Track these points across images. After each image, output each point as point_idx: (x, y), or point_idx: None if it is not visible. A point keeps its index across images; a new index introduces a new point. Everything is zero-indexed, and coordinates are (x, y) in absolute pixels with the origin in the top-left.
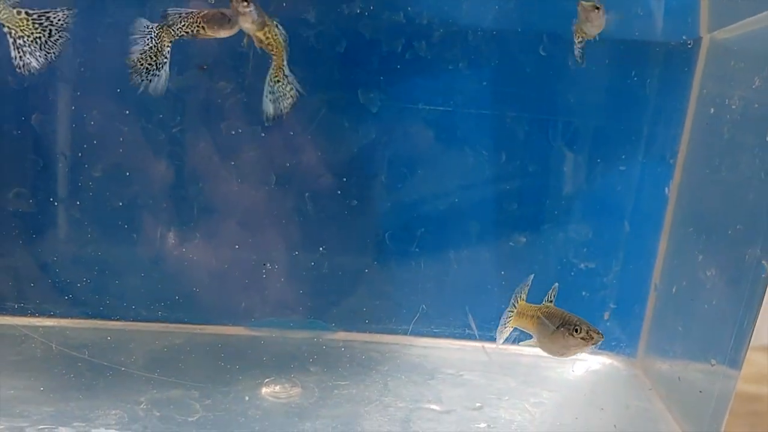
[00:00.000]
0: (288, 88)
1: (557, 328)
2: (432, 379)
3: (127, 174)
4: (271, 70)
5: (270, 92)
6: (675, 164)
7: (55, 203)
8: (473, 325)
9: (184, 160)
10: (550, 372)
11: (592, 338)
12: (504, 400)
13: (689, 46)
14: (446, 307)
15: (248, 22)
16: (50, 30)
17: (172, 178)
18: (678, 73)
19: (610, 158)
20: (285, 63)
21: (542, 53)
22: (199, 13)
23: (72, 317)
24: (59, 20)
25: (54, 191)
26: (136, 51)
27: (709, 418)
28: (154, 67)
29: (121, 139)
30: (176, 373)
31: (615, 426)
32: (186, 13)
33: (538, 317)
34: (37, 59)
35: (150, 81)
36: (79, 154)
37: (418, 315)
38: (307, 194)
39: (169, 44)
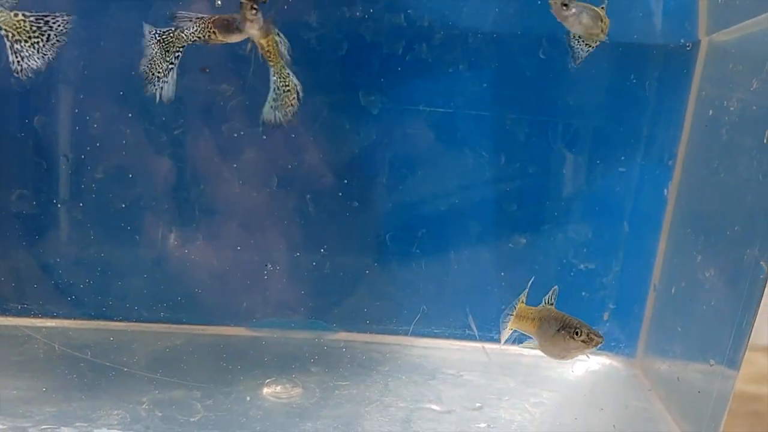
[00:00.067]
0: (291, 97)
1: (557, 330)
2: (432, 380)
3: (130, 176)
4: (273, 78)
5: (273, 99)
6: (674, 165)
7: (58, 205)
8: (473, 326)
9: (186, 161)
10: (549, 372)
11: (593, 341)
12: (504, 400)
13: (688, 49)
14: (446, 308)
15: (255, 28)
16: (48, 34)
17: (174, 180)
18: (677, 76)
19: (610, 160)
20: (289, 71)
21: (542, 56)
22: (210, 19)
23: (74, 318)
24: (58, 25)
25: (56, 193)
26: (147, 59)
27: (708, 418)
28: (163, 74)
29: (124, 141)
30: (178, 374)
31: (614, 426)
32: (197, 18)
33: (540, 320)
34: (35, 62)
35: (162, 87)
36: (82, 156)
37: (418, 316)
38: (308, 195)
39: (180, 49)
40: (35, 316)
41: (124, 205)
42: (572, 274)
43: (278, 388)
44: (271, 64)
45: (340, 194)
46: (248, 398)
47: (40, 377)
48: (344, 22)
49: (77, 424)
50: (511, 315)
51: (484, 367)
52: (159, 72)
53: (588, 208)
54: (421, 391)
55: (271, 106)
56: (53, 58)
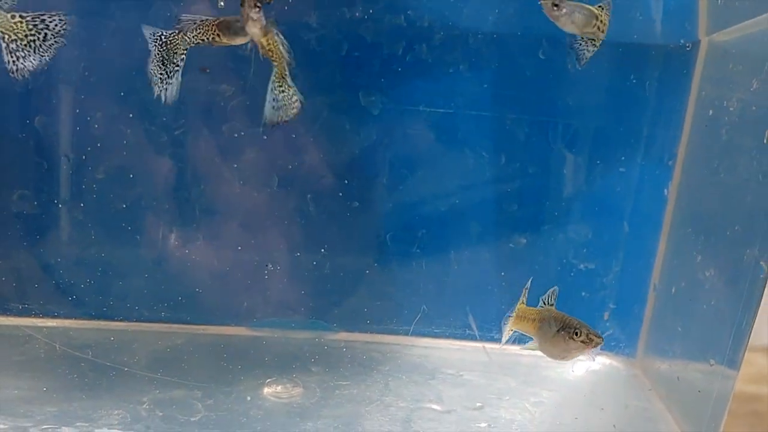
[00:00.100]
0: (293, 99)
1: (557, 331)
2: (433, 379)
3: (131, 176)
4: (273, 77)
5: (274, 99)
6: (674, 166)
7: (59, 205)
8: (473, 326)
9: (187, 162)
10: (550, 372)
11: (592, 341)
12: (504, 400)
13: (688, 49)
14: (447, 308)
15: (257, 27)
16: (45, 33)
17: (174, 180)
18: (677, 76)
19: (610, 160)
20: (287, 72)
21: (542, 56)
22: (214, 21)
23: (75, 318)
24: (55, 25)
25: (57, 193)
26: (152, 62)
27: (708, 418)
28: (167, 76)
29: (125, 141)
30: (179, 374)
31: (614, 426)
32: (201, 21)
33: (540, 320)
34: (31, 63)
35: (167, 89)
36: (83, 157)
37: (419, 316)
38: (308, 195)
39: (184, 51)
40: (36, 316)
41: (124, 205)
42: (572, 274)
43: (279, 388)
44: (275, 63)
45: (341, 194)
46: (249, 398)
47: (41, 377)
48: (344, 22)
49: (78, 423)
50: (511, 316)
51: (485, 366)
52: (164, 74)
53: (588, 208)
54: (421, 391)
55: (273, 106)
56: (51, 58)
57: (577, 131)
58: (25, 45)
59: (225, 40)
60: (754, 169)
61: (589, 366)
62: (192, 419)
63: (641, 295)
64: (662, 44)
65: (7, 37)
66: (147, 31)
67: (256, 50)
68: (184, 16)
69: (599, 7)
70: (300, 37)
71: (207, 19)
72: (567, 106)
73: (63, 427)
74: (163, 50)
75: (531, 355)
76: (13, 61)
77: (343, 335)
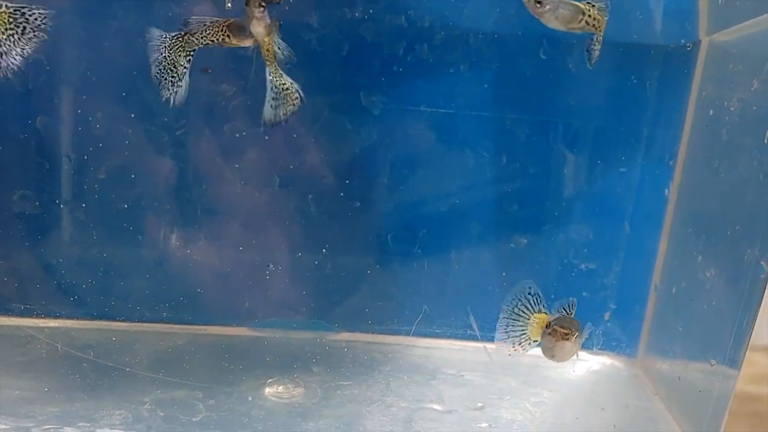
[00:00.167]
0: (293, 96)
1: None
2: (434, 380)
3: (132, 176)
4: (270, 77)
5: (273, 98)
6: (674, 166)
7: (60, 205)
8: (474, 326)
9: (188, 162)
10: (550, 372)
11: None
12: (505, 400)
13: (688, 49)
14: (448, 308)
15: (262, 26)
16: (24, 27)
17: (176, 180)
18: (677, 76)
19: (610, 160)
20: (281, 71)
21: (542, 56)
22: (225, 22)
23: (77, 318)
24: (35, 18)
25: (59, 193)
26: (158, 65)
27: (708, 418)
28: (178, 78)
29: (126, 141)
30: (180, 374)
31: (615, 426)
32: (210, 22)
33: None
34: (13, 58)
35: (176, 92)
36: (84, 157)
37: (420, 316)
38: (310, 196)
39: (192, 53)
40: (38, 316)
41: (126, 206)
42: (573, 274)
43: (280, 388)
44: (268, 63)
45: (342, 194)
46: (250, 398)
47: (43, 377)
48: (345, 23)
49: (80, 424)
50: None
51: (486, 367)
52: (174, 77)
53: (589, 209)
54: (422, 391)
55: (271, 105)
56: (30, 53)
57: (577, 131)
58: (6, 38)
59: (235, 41)
60: (754, 169)
61: (590, 366)
62: (193, 419)
63: (642, 295)
64: (663, 44)
65: None
66: (152, 34)
67: (258, 50)
68: (193, 18)
69: (588, 3)
70: (301, 37)
71: (217, 21)
72: (568, 107)
73: (65, 428)
74: (171, 53)
75: (532, 355)
76: None
77: (345, 335)
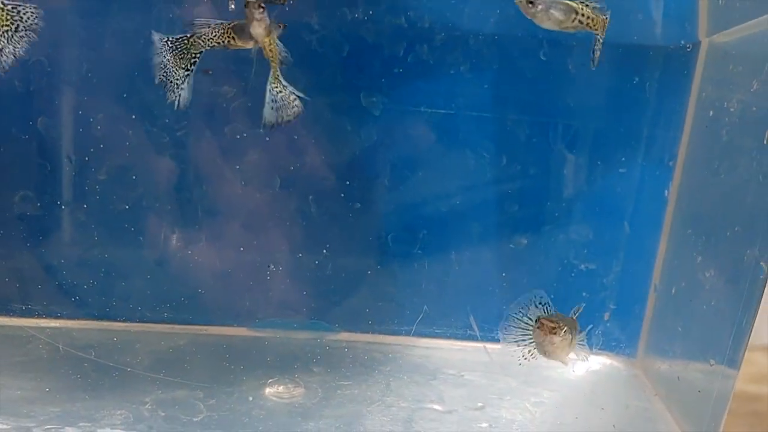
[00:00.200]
0: (291, 98)
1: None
2: (434, 380)
3: (133, 177)
4: (270, 78)
5: (272, 100)
6: (674, 166)
7: (62, 206)
8: (475, 326)
9: (189, 163)
10: (550, 372)
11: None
12: (505, 400)
13: (688, 50)
14: (448, 308)
15: (262, 27)
16: (18, 24)
17: (177, 181)
18: (677, 77)
19: (610, 161)
20: (279, 72)
21: (542, 57)
22: (229, 24)
23: (78, 318)
24: (28, 17)
25: (60, 194)
26: (161, 68)
27: (708, 418)
28: (182, 81)
29: (127, 142)
30: (181, 374)
31: (614, 426)
32: (215, 24)
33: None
34: (6, 56)
35: (181, 95)
36: (85, 158)
37: (420, 316)
38: (310, 196)
39: (197, 55)
40: (39, 316)
41: (127, 206)
42: (573, 274)
43: (280, 388)
44: (272, 65)
45: (342, 195)
46: (251, 398)
47: (44, 377)
48: (345, 23)
49: (81, 424)
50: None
51: (486, 367)
52: (179, 80)
53: (589, 209)
54: (422, 391)
55: (272, 107)
56: (20, 52)
57: (577, 132)
58: (1, 34)
59: (240, 44)
60: (754, 169)
61: (589, 366)
62: (194, 419)
63: (642, 295)
64: (662, 45)
65: None
66: (156, 37)
67: (259, 52)
68: (198, 21)
69: (582, 2)
70: (301, 38)
71: (221, 23)
72: (568, 107)
73: (66, 428)
74: (176, 56)
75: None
76: None
77: (345, 336)
